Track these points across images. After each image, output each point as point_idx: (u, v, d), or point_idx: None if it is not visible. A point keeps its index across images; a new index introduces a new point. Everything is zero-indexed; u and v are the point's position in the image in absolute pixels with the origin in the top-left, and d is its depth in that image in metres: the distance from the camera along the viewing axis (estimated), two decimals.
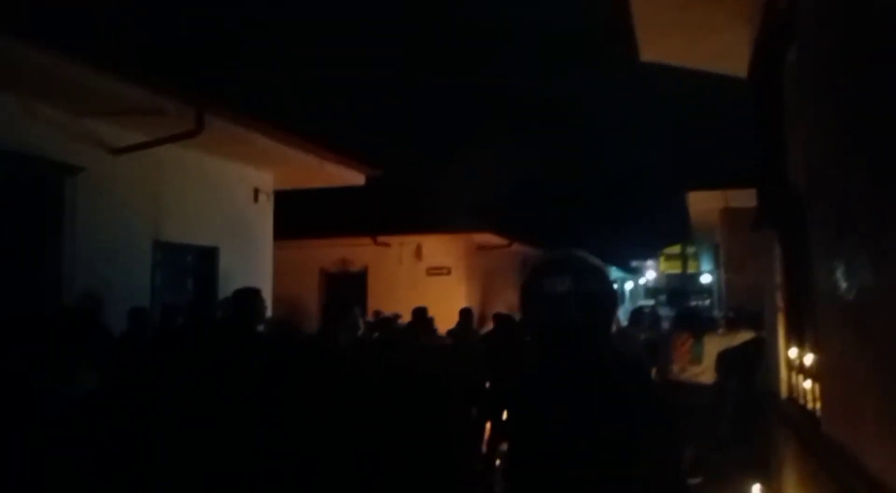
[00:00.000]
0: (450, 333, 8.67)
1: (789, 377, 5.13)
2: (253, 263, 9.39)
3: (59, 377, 2.14)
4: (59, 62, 5.61)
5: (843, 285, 2.94)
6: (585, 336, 1.76)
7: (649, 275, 36.59)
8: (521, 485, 1.79)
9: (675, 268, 22.56)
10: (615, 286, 1.95)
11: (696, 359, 6.65)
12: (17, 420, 1.95)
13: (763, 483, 5.50)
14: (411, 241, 14.56)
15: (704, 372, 6.66)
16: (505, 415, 1.92)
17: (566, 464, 1.66)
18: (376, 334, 7.77)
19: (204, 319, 7.28)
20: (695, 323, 7.14)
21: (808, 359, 4.30)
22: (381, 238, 14.40)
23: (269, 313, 6.43)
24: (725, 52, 5.53)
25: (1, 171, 6.18)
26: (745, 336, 6.76)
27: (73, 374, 2.20)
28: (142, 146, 7.22)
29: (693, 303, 20.93)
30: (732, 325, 7.62)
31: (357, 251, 14.58)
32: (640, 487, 1.63)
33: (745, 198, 9.49)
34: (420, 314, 8.03)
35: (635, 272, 34.74)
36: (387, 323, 8.33)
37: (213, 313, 7.94)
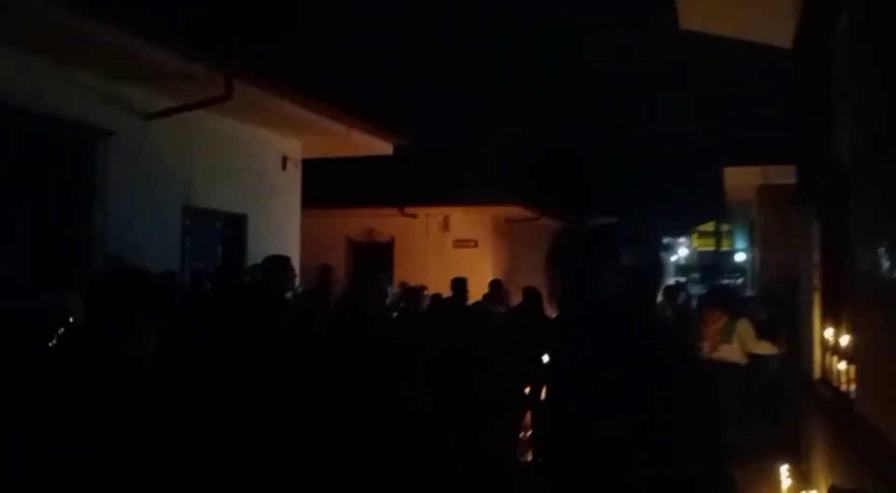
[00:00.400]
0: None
1: (823, 358, 5.02)
2: (281, 231, 9.44)
3: (135, 342, 2.15)
4: (93, 26, 5.61)
5: (886, 264, 2.83)
6: (636, 308, 1.73)
7: (681, 252, 36.10)
8: (554, 454, 1.74)
9: (708, 245, 22.17)
10: (661, 259, 1.89)
11: (727, 338, 6.54)
12: (96, 384, 1.97)
13: (791, 465, 5.42)
14: (438, 212, 14.51)
15: (734, 352, 6.55)
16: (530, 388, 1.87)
17: (604, 435, 1.61)
18: (402, 304, 7.76)
19: (233, 284, 7.36)
20: (727, 302, 7.03)
21: (844, 340, 4.19)
22: (409, 209, 14.36)
23: (297, 281, 6.45)
24: (769, 20, 5.32)
25: (35, 133, 6.25)
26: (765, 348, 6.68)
27: (147, 338, 2.21)
28: (172, 111, 7.24)
29: (725, 281, 20.61)
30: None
31: (384, 222, 14.58)
32: (680, 460, 1.58)
33: (784, 174, 9.26)
34: (461, 285, 7.84)
35: (667, 249, 34.35)
36: (413, 294, 8.31)
37: (241, 280, 8.02)
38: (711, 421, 1.68)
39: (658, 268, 1.78)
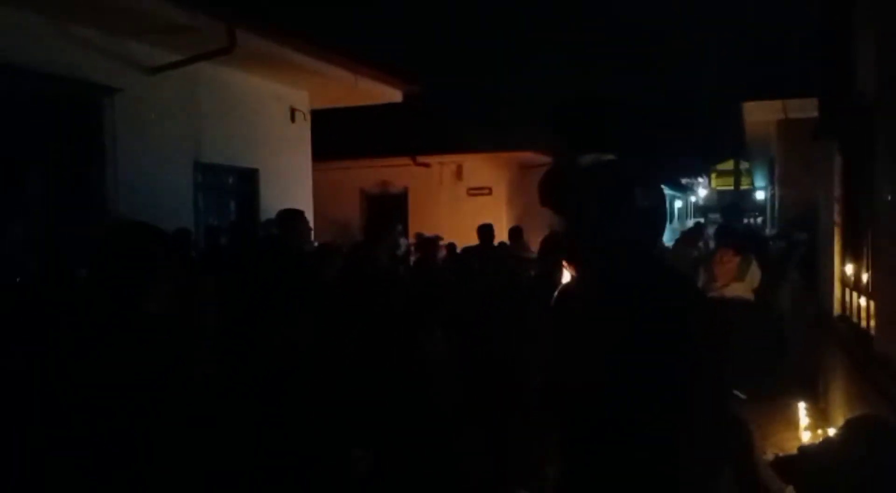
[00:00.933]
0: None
1: (843, 295, 4.95)
2: (293, 184, 9.40)
3: (164, 298, 2.17)
4: None
5: None
6: (645, 250, 1.69)
7: (700, 192, 35.57)
8: (561, 402, 1.73)
9: (727, 184, 21.70)
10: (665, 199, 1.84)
11: (741, 276, 6.50)
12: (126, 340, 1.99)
13: (809, 402, 5.43)
14: (451, 160, 14.35)
15: (746, 290, 6.52)
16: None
17: (614, 381, 1.59)
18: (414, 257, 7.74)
19: (248, 239, 7.38)
20: (740, 239, 7.00)
21: (864, 276, 4.11)
22: (421, 158, 14.22)
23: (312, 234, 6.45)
24: None
25: (40, 94, 6.20)
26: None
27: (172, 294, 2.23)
28: (176, 65, 7.13)
29: (746, 220, 20.33)
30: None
31: (397, 172, 14.47)
32: (684, 397, 1.56)
33: (805, 108, 8.99)
34: (488, 232, 7.72)
35: (685, 189, 33.81)
36: (427, 245, 8.28)
37: (256, 234, 8.04)
38: (720, 366, 1.66)
39: (664, 209, 1.73)
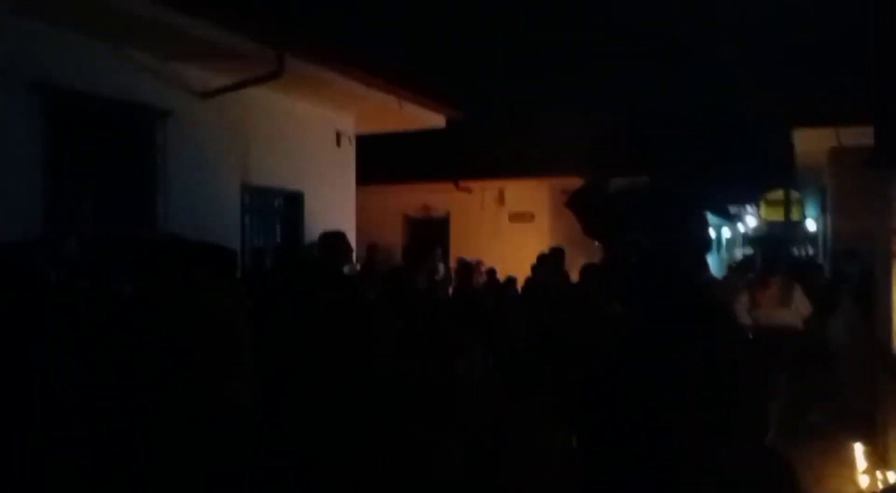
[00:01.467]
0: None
1: None
2: (337, 208, 9.51)
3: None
4: (146, 6, 5.70)
5: None
6: (665, 269, 1.61)
7: (749, 222, 34.73)
8: (598, 433, 1.66)
9: (776, 215, 21.13)
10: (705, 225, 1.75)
11: (786, 302, 6.25)
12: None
13: (866, 442, 5.16)
14: (493, 186, 14.35)
15: (794, 317, 6.26)
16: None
17: (652, 403, 1.52)
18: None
19: (291, 261, 7.47)
20: (782, 266, 6.81)
21: None
22: (464, 183, 14.26)
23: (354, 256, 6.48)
24: None
25: (94, 115, 6.43)
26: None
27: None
28: (227, 89, 7.33)
29: (795, 252, 19.74)
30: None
31: (439, 197, 14.53)
32: (722, 426, 1.49)
33: (859, 136, 8.70)
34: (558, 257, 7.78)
35: (733, 219, 33.06)
36: (466, 269, 8.26)
37: (300, 256, 8.13)
38: (758, 400, 1.59)
39: (706, 232, 1.69)
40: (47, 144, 5.91)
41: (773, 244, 16.36)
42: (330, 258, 4.86)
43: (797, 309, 6.29)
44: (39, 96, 5.80)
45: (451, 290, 8.46)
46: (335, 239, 4.93)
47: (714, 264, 21.90)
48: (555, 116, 13.24)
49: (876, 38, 4.57)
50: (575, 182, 14.33)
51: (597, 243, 1.71)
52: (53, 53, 5.93)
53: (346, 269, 5.51)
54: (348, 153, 9.87)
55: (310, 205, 9.07)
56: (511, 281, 8.82)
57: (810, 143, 11.20)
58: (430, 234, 14.06)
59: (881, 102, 4.59)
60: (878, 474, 4.57)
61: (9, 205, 5.44)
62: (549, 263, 7.91)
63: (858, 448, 5.04)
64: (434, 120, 10.04)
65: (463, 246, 13.00)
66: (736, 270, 8.94)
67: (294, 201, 9.00)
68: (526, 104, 13.56)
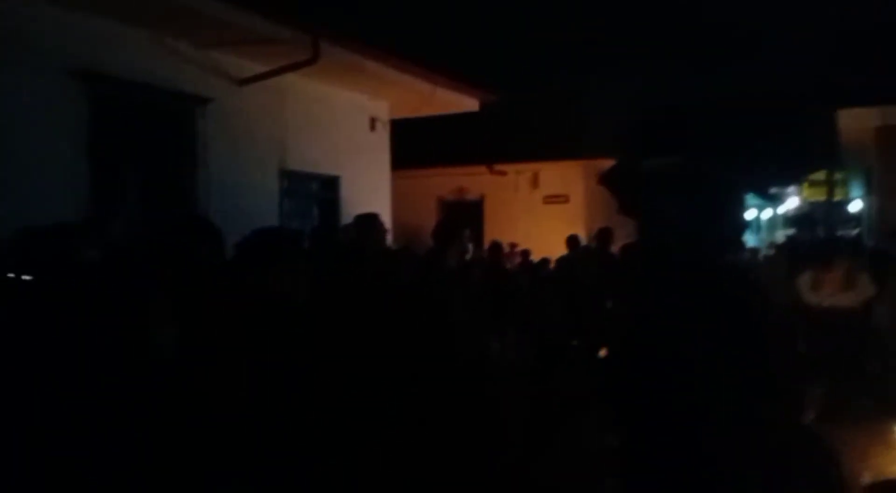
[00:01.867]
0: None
1: None
2: (372, 191, 9.59)
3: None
4: None
5: None
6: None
7: (790, 203, 33.90)
8: (627, 394, 1.68)
9: (819, 195, 20.59)
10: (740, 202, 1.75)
11: (851, 285, 6.09)
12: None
13: None
14: (527, 169, 14.29)
15: (856, 301, 6.12)
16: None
17: (683, 375, 1.55)
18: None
19: (327, 243, 7.58)
20: (845, 249, 6.65)
21: None
22: (498, 167, 14.23)
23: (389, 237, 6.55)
24: None
25: (137, 102, 6.60)
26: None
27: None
28: (264, 76, 7.44)
29: (840, 233, 19.22)
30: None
31: (473, 180, 14.53)
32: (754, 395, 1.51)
33: None
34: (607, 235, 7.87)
35: (774, 199, 32.31)
36: (497, 251, 8.30)
37: (336, 238, 8.25)
38: (790, 368, 1.60)
39: (739, 211, 1.73)
40: (91, 131, 6.10)
41: (809, 226, 15.93)
42: (365, 240, 4.93)
43: (862, 292, 6.14)
44: (84, 84, 5.99)
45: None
46: (367, 221, 5.00)
47: (754, 244, 21.47)
48: (590, 99, 13.09)
49: None
50: (609, 164, 14.20)
51: (633, 222, 1.71)
52: (97, 42, 6.10)
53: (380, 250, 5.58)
54: (383, 138, 9.93)
55: (346, 189, 9.18)
56: (544, 262, 8.84)
57: (855, 122, 10.90)
58: (464, 217, 14.08)
59: None
60: None
61: (56, 190, 5.64)
62: (589, 244, 7.97)
63: None
64: (467, 104, 10.03)
65: (497, 229, 13.01)
66: (780, 249, 8.77)
67: (330, 185, 9.12)
68: (558, 87, 13.43)
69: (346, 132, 9.21)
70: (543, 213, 13.88)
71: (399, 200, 10.55)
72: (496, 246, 8.48)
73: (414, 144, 11.48)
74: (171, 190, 6.97)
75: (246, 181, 7.60)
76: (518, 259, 11.04)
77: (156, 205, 6.74)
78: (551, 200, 14.23)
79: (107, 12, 6.02)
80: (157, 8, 5.97)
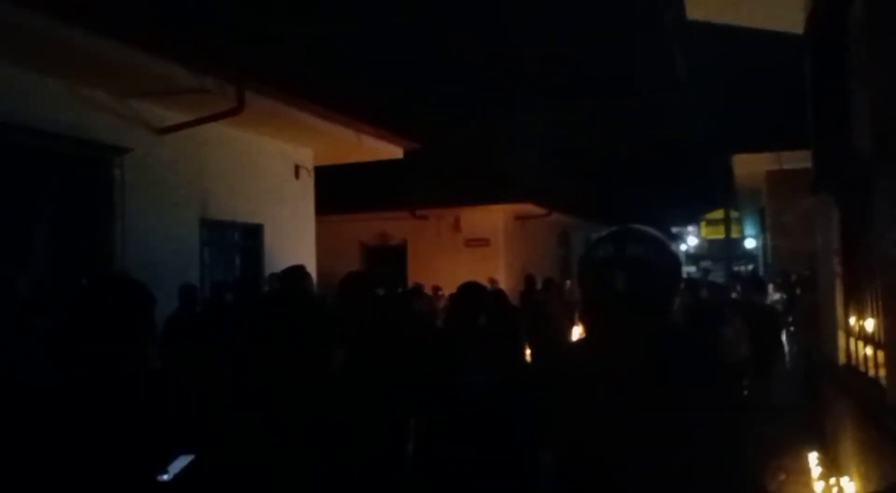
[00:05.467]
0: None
1: (847, 344, 5.01)
2: (296, 239, 9.49)
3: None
4: (103, 44, 5.68)
5: None
6: (634, 309, 1.62)
7: (690, 241, 35.98)
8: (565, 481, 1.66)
9: (717, 233, 22.07)
10: (678, 258, 1.79)
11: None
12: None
13: (820, 452, 5.42)
14: (449, 213, 14.53)
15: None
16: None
17: (611, 461, 1.54)
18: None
19: (253, 295, 7.42)
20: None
21: (869, 325, 4.19)
22: (420, 211, 14.40)
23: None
24: (778, 7, 5.32)
25: (52, 153, 6.32)
26: None
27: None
28: (185, 125, 7.30)
29: (736, 269, 20.53)
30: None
31: (396, 225, 14.62)
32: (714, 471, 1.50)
33: (796, 159, 9.21)
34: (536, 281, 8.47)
35: (676, 238, 34.27)
36: (417, 294, 8.37)
37: (260, 289, 8.08)
38: (739, 428, 1.60)
39: (665, 267, 1.67)
40: (0, 183, 5.79)
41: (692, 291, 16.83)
42: (293, 293, 4.89)
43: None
44: None
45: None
46: (297, 275, 4.99)
47: None
48: (507, 147, 13.55)
49: (812, 73, 4.91)
50: (527, 208, 14.67)
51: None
52: (8, 91, 5.83)
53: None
54: (307, 185, 9.89)
55: (269, 237, 9.03)
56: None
57: (748, 166, 11.78)
58: (387, 261, 14.11)
59: (818, 132, 4.92)
60: (833, 480, 4.81)
61: None
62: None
63: (813, 456, 5.29)
64: (391, 151, 10.17)
65: (420, 272, 13.08)
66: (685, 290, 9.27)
67: (253, 234, 8.96)
68: (479, 135, 13.85)
69: (270, 180, 9.11)
70: (465, 256, 14.09)
71: (322, 245, 10.47)
72: (417, 288, 8.60)
73: (337, 190, 11.47)
74: (87, 242, 6.66)
75: (165, 232, 7.37)
76: (442, 303, 11.13)
77: (69, 258, 6.42)
78: (473, 243, 14.49)
79: (19, 61, 5.79)
80: (73, 58, 5.78)
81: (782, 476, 5.19)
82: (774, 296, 8.88)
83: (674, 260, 1.70)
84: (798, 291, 7.98)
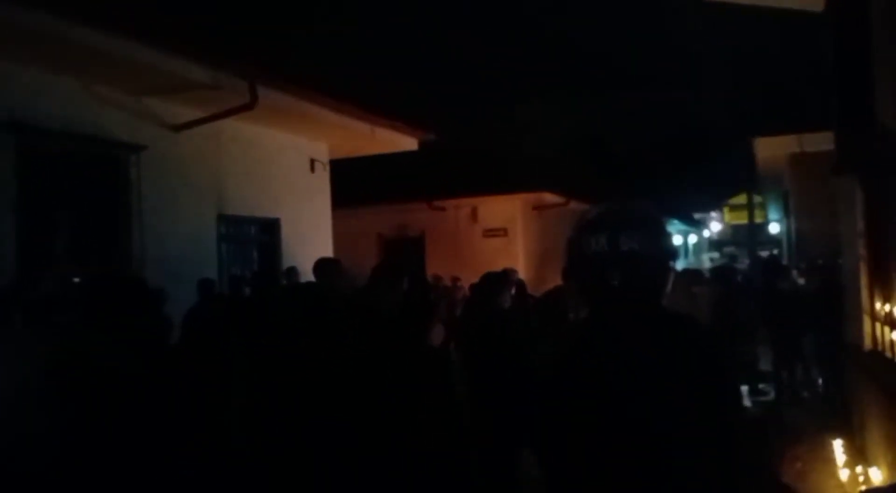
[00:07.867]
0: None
1: (873, 329, 4.90)
2: (313, 232, 9.52)
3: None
4: (118, 43, 5.71)
5: None
6: (629, 299, 1.60)
7: (713, 227, 35.49)
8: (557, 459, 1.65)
9: (740, 218, 21.71)
10: (671, 242, 1.71)
11: None
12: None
13: (845, 439, 5.32)
14: (466, 204, 14.48)
15: None
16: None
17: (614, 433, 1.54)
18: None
19: (272, 289, 7.44)
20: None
21: None
22: (437, 202, 14.37)
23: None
24: None
25: (69, 152, 6.38)
26: None
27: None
28: (200, 122, 7.33)
29: (763, 253, 20.22)
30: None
31: (414, 216, 14.60)
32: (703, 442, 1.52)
33: (818, 141, 9.02)
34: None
35: (699, 224, 33.81)
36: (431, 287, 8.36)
37: (277, 283, 8.11)
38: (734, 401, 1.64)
39: (657, 255, 1.62)
40: (20, 184, 5.86)
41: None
42: (322, 284, 4.89)
43: None
44: (11, 135, 5.75)
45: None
46: (328, 266, 5.00)
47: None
48: (521, 137, 13.45)
49: (835, 53, 4.78)
50: (545, 197, 14.57)
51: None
52: (24, 92, 5.89)
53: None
54: (323, 179, 9.90)
55: (286, 231, 9.07)
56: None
57: (771, 149, 11.55)
58: (405, 253, 14.11)
59: (842, 112, 4.79)
60: (859, 468, 4.71)
61: None
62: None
63: (838, 444, 5.19)
64: (406, 143, 10.13)
65: (439, 263, 13.06)
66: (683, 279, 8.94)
67: (270, 228, 8.99)
68: (495, 123, 13.77)
69: (286, 174, 9.13)
70: (483, 246, 14.04)
71: (340, 238, 10.49)
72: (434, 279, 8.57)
73: (354, 183, 11.48)
74: (106, 241, 6.73)
75: (182, 228, 7.42)
76: (461, 293, 11.11)
77: (89, 256, 6.49)
78: (490, 233, 14.43)
79: (35, 62, 5.84)
80: (88, 57, 5.82)
81: (799, 465, 5.11)
82: (800, 281, 8.69)
83: (666, 244, 1.67)
84: (823, 276, 7.81)
